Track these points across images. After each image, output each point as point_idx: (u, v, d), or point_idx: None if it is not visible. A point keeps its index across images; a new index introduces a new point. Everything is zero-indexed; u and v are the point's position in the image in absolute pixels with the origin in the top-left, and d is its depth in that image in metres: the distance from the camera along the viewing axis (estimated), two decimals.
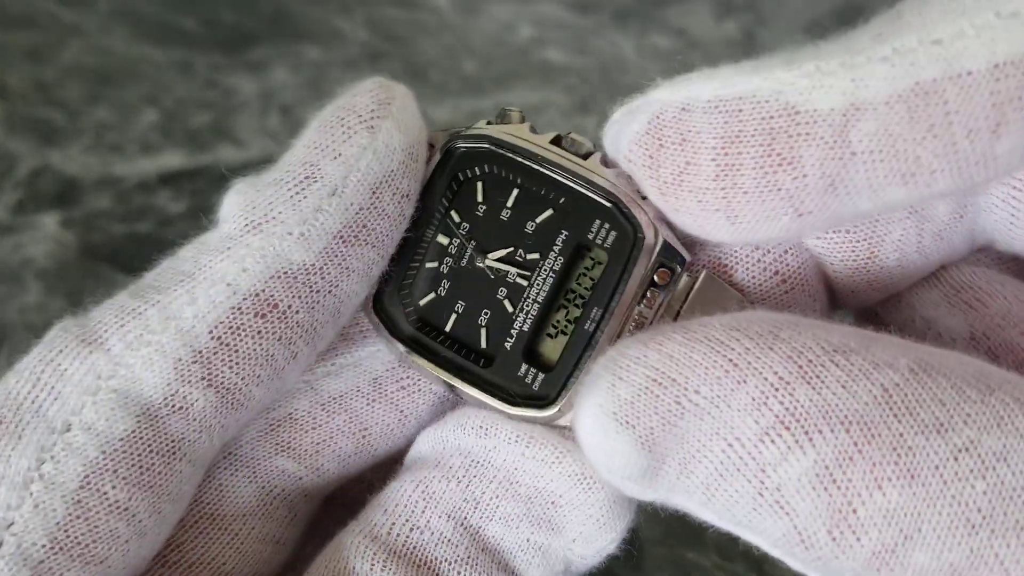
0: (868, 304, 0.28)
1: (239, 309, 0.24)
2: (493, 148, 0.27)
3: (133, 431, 0.24)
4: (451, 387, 0.27)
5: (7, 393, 0.24)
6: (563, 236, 0.26)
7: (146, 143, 0.60)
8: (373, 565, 0.25)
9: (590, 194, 0.26)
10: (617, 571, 0.42)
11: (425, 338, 0.27)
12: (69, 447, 0.23)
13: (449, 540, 0.25)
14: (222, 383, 0.24)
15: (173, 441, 0.24)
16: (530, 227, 0.27)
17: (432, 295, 0.27)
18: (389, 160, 0.26)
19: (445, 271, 0.27)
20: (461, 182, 0.27)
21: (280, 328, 0.24)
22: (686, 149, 0.23)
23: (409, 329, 0.27)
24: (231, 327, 0.24)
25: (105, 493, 0.23)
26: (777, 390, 0.20)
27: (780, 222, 0.23)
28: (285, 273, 0.24)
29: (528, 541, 0.26)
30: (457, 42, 0.67)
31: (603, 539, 0.26)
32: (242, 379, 0.24)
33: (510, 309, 0.27)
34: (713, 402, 0.20)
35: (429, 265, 0.27)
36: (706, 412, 0.20)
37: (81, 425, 0.23)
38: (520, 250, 0.27)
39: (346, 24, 0.68)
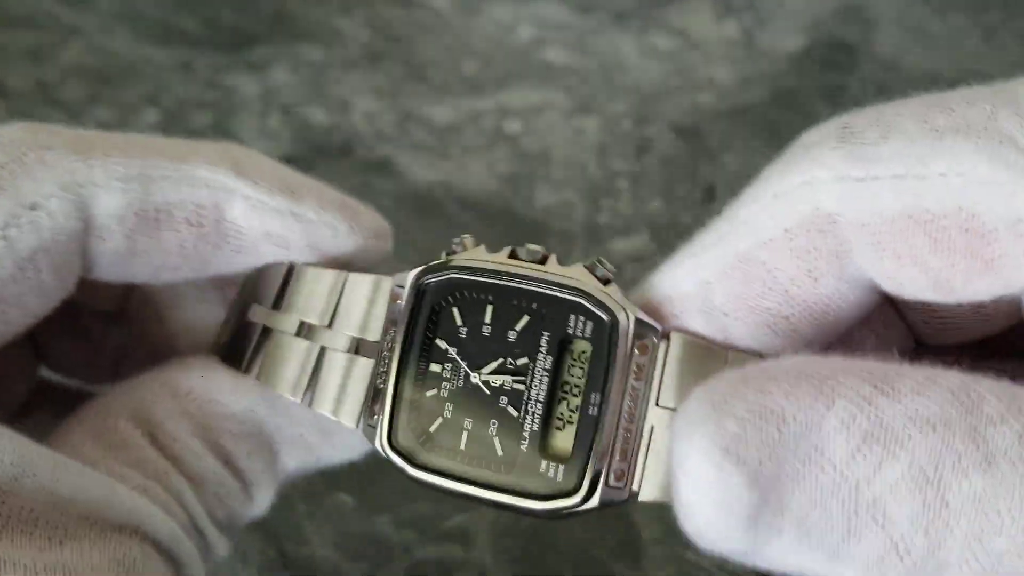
0: None
1: None
2: (458, 276, 0.29)
3: (77, 232, 0.29)
4: (480, 500, 0.29)
5: None
6: (545, 337, 0.28)
7: None
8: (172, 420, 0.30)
9: (558, 294, 0.28)
10: (617, 571, 0.42)
11: (449, 462, 0.29)
12: (32, 223, 0.28)
13: (239, 419, 0.31)
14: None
15: (83, 253, 0.30)
16: (512, 336, 0.29)
17: (440, 420, 0.29)
18: None
19: (446, 395, 0.29)
20: (438, 312, 0.29)
21: None
22: None
23: (429, 459, 0.29)
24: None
25: (39, 271, 0.28)
26: (862, 408, 0.22)
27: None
28: None
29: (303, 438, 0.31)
30: (457, 42, 0.67)
31: None
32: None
33: (515, 414, 0.28)
34: (807, 427, 0.22)
35: (429, 394, 0.29)
36: (801, 439, 0.22)
37: (46, 210, 0.28)
38: (509, 359, 0.29)
39: (346, 24, 0.68)
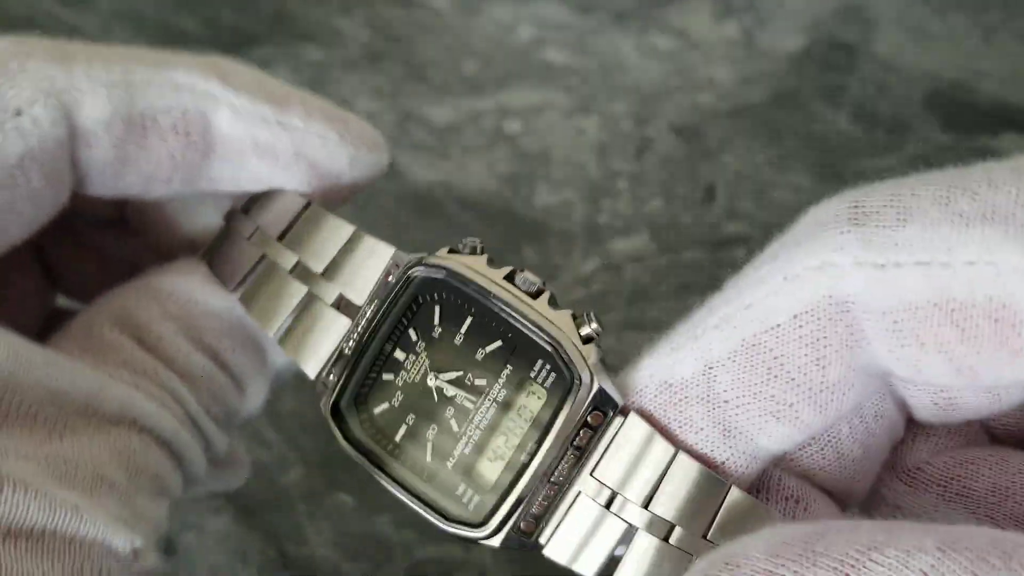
0: (860, 498, 0.30)
1: None
2: (450, 279, 0.29)
3: (63, 139, 0.29)
4: (392, 492, 0.29)
5: None
6: (508, 370, 0.28)
7: None
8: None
9: (534, 336, 0.28)
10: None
11: (377, 447, 0.29)
12: (17, 129, 0.28)
13: (220, 316, 0.31)
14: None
15: (74, 163, 0.30)
16: (480, 355, 0.29)
17: (386, 404, 0.29)
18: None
19: (400, 384, 0.29)
20: (420, 304, 0.29)
21: None
22: None
23: (363, 436, 0.29)
24: None
25: (29, 178, 0.28)
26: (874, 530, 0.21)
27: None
28: None
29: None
30: (457, 42, 0.67)
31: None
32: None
33: (455, 429, 0.28)
34: None
35: (386, 377, 0.29)
36: None
37: (30, 116, 0.28)
38: (469, 375, 0.29)
39: (347, 24, 0.68)
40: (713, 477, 0.27)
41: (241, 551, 0.43)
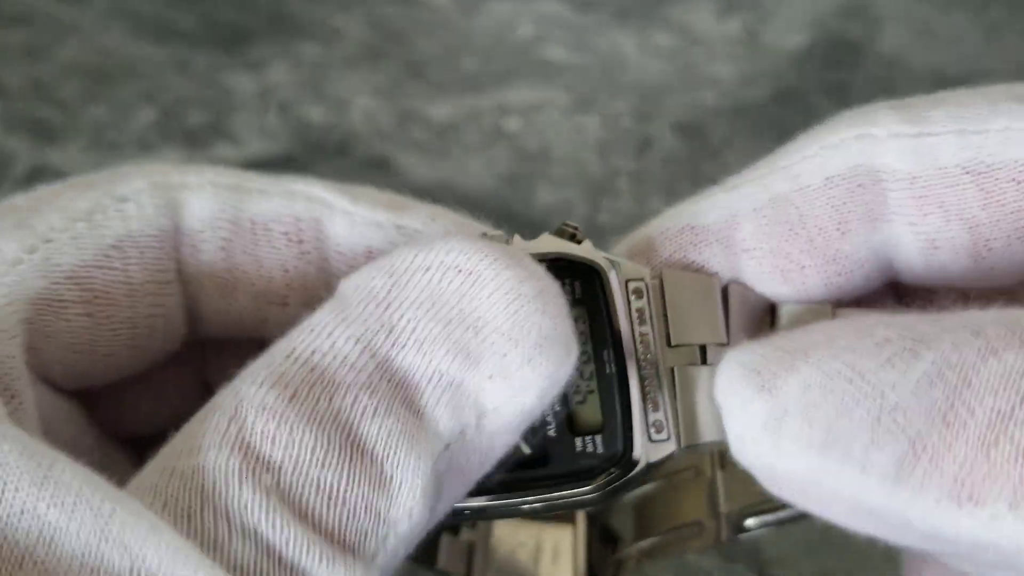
0: None
1: None
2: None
3: (168, 230, 0.27)
4: (526, 508, 0.26)
5: (89, 177, 0.28)
6: None
7: (144, 142, 0.60)
8: (260, 387, 0.23)
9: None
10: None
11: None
12: (120, 212, 0.27)
13: (352, 364, 0.23)
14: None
15: (180, 267, 0.28)
16: None
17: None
18: None
19: None
20: None
21: None
22: None
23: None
24: None
25: (127, 262, 0.27)
26: (889, 325, 0.23)
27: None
28: None
29: (439, 373, 0.23)
30: (457, 40, 0.67)
31: (523, 378, 0.23)
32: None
33: None
34: (845, 350, 0.23)
35: None
36: (834, 357, 0.23)
37: (136, 203, 0.27)
38: None
39: (345, 22, 0.68)
40: (760, 296, 0.28)
41: None
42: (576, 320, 0.26)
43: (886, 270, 0.28)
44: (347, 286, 0.25)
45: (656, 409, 0.26)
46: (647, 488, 0.33)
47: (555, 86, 0.64)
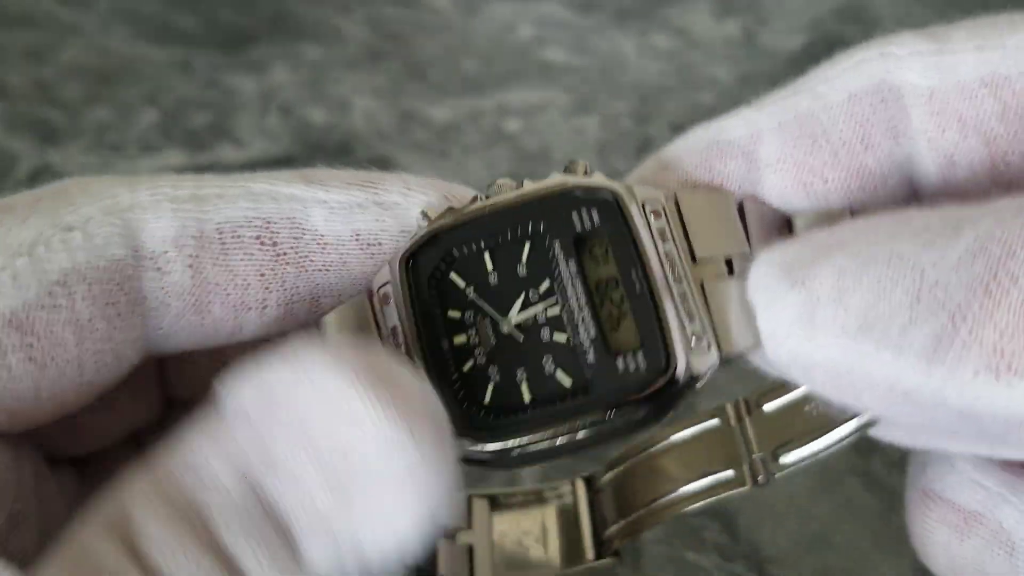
0: None
1: None
2: (440, 236, 0.27)
3: (123, 260, 0.26)
4: (578, 439, 0.25)
5: (32, 195, 0.26)
6: (557, 245, 0.26)
7: (146, 143, 0.60)
8: (148, 500, 0.22)
9: (550, 199, 0.27)
10: (617, 571, 0.42)
11: (518, 423, 0.26)
12: (64, 243, 0.25)
13: (228, 491, 0.22)
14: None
15: (140, 293, 0.26)
16: (521, 270, 0.27)
17: (491, 385, 0.26)
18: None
19: (483, 361, 0.26)
20: (439, 280, 0.27)
21: None
22: None
23: (501, 430, 0.26)
24: None
25: (73, 299, 0.25)
26: (926, 213, 0.23)
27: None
28: None
29: (312, 505, 0.21)
30: (457, 41, 0.67)
31: (401, 519, 0.21)
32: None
33: (564, 337, 0.26)
34: (882, 235, 0.23)
35: (467, 368, 0.26)
36: (871, 244, 0.23)
37: (83, 232, 0.25)
38: (530, 290, 0.26)
39: (346, 23, 0.68)
40: (776, 211, 0.28)
41: None
42: (598, 244, 0.26)
43: (905, 187, 0.28)
44: (225, 397, 0.23)
45: (692, 320, 0.25)
46: (625, 465, 0.32)
47: (555, 87, 0.64)
